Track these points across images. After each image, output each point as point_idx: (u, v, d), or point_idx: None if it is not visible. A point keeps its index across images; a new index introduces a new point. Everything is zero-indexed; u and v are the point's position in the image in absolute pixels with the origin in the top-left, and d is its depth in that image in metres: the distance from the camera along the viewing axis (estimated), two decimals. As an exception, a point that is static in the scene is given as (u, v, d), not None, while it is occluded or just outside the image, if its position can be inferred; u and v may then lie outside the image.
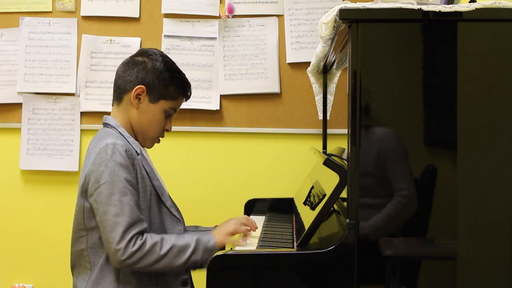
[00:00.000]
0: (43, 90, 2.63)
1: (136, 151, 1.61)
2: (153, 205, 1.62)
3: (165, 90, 1.66)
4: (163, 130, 1.72)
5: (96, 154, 1.54)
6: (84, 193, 1.56)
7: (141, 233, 1.52)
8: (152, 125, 1.68)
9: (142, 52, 1.70)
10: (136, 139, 1.69)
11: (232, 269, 1.40)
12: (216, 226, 1.81)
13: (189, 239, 1.57)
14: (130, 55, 1.73)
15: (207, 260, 1.51)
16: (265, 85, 2.56)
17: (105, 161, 1.51)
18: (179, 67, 1.74)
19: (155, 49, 1.73)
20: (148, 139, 1.71)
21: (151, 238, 1.52)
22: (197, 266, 1.56)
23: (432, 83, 1.32)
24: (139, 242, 1.49)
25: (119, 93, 1.68)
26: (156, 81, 1.65)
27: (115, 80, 1.69)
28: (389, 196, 1.33)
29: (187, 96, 1.74)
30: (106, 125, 1.68)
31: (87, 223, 1.57)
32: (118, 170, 1.51)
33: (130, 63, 1.68)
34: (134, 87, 1.64)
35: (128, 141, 1.62)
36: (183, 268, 1.55)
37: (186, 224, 1.79)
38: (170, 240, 1.54)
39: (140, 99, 1.65)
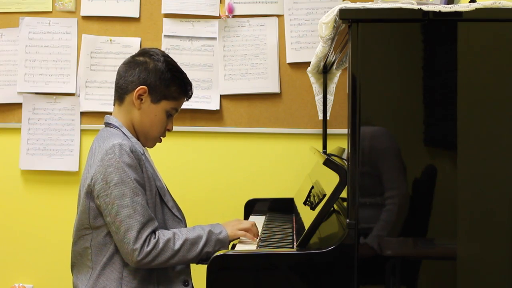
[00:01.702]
0: (43, 90, 2.63)
1: (140, 151, 1.61)
2: (157, 205, 1.63)
3: (167, 91, 1.66)
4: (165, 130, 1.72)
5: (102, 154, 1.53)
6: (89, 193, 1.56)
7: (154, 231, 1.53)
8: (154, 125, 1.68)
9: (143, 52, 1.70)
10: (138, 139, 1.69)
11: (232, 269, 1.40)
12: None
13: (200, 231, 1.59)
14: (130, 55, 1.73)
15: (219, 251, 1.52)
16: (265, 85, 2.56)
17: (114, 162, 1.51)
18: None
19: (156, 48, 1.73)
20: (150, 139, 1.71)
21: (163, 235, 1.54)
22: (209, 257, 1.56)
23: (432, 83, 1.32)
24: (153, 241, 1.51)
25: (121, 93, 1.68)
26: (158, 82, 1.64)
27: (116, 80, 1.69)
28: (387, 196, 1.33)
29: (188, 96, 1.74)
30: (108, 124, 1.68)
31: (92, 222, 1.57)
32: (127, 171, 1.52)
33: (132, 63, 1.67)
34: (136, 87, 1.64)
35: (131, 142, 1.62)
36: (196, 260, 1.58)
37: (187, 224, 1.79)
38: (182, 234, 1.56)
39: (142, 100, 1.65)
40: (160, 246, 1.51)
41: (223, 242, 1.60)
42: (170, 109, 1.68)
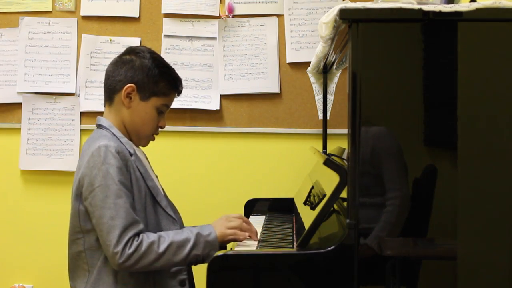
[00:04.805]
0: (43, 90, 2.63)
1: (129, 152, 1.60)
2: (148, 206, 1.61)
3: (156, 87, 1.64)
4: (157, 128, 1.70)
5: (89, 156, 1.53)
6: (79, 196, 1.55)
7: (138, 234, 1.51)
8: (145, 123, 1.66)
9: (129, 51, 1.69)
10: (130, 139, 1.67)
11: (232, 269, 1.40)
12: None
13: (188, 234, 1.55)
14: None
15: (209, 254, 1.50)
16: (265, 85, 2.56)
17: (98, 164, 1.50)
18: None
19: (143, 46, 1.72)
20: (143, 137, 1.69)
21: (147, 238, 1.50)
22: (199, 260, 1.55)
23: (432, 83, 1.32)
24: (135, 244, 1.48)
25: (110, 93, 1.67)
26: (146, 79, 1.63)
27: (105, 80, 1.68)
28: (388, 197, 1.33)
29: (178, 91, 1.72)
30: (99, 126, 1.67)
31: (83, 225, 1.56)
32: (111, 173, 1.50)
33: (119, 63, 1.66)
34: (124, 86, 1.63)
35: (121, 142, 1.61)
36: (184, 263, 1.55)
37: (186, 224, 1.79)
38: (168, 237, 1.53)
39: (131, 98, 1.64)
40: (142, 249, 1.48)
41: (213, 244, 1.55)
42: (160, 105, 1.67)
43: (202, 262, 1.55)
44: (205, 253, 1.53)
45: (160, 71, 1.65)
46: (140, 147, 1.75)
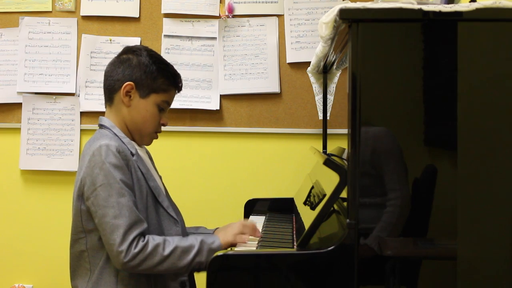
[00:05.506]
0: (43, 90, 2.63)
1: (131, 152, 1.60)
2: (150, 206, 1.60)
3: (154, 83, 1.64)
4: (159, 125, 1.69)
5: (90, 156, 1.53)
6: (81, 196, 1.55)
7: (142, 234, 1.50)
8: (147, 121, 1.65)
9: (126, 50, 1.69)
10: (133, 139, 1.67)
11: (232, 269, 1.40)
12: (216, 228, 1.80)
13: (193, 241, 1.55)
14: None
15: None
16: (265, 85, 2.56)
17: (99, 163, 1.50)
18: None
19: (140, 45, 1.71)
20: (145, 136, 1.69)
21: (153, 240, 1.50)
22: (202, 268, 1.55)
23: (432, 83, 1.32)
24: (141, 244, 1.48)
25: (109, 93, 1.66)
26: (144, 76, 1.63)
27: (104, 81, 1.68)
28: (388, 198, 1.33)
29: (178, 87, 1.72)
30: (101, 126, 1.67)
31: (85, 225, 1.56)
32: (113, 172, 1.50)
33: (116, 62, 1.66)
34: (123, 85, 1.62)
35: (123, 142, 1.60)
36: (187, 269, 1.54)
37: (187, 225, 1.79)
38: (173, 241, 1.53)
39: (130, 96, 1.63)
40: (148, 249, 1.48)
41: (216, 252, 1.55)
42: (160, 102, 1.66)
43: (205, 269, 1.53)
44: (208, 261, 1.52)
45: (158, 67, 1.65)
46: (145, 147, 1.74)
